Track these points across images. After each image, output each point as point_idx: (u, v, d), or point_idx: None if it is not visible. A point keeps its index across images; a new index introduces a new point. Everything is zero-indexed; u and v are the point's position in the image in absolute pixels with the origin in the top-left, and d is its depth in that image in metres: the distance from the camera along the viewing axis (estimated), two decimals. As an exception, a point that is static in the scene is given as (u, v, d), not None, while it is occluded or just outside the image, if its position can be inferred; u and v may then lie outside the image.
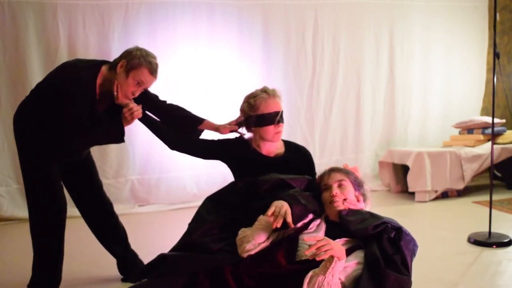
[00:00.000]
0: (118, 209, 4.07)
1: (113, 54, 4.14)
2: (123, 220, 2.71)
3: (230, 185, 2.22)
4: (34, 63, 4.07)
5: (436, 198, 4.44)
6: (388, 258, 1.71)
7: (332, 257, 1.61)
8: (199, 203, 2.23)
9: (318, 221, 2.00)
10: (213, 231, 2.02)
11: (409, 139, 5.24)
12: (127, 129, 2.28)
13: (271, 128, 2.31)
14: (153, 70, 2.28)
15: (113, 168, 4.35)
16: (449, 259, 2.86)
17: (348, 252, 1.78)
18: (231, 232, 2.00)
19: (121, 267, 2.66)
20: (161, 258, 1.89)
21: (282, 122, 2.34)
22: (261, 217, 1.94)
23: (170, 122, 2.48)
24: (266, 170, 2.20)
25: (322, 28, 4.83)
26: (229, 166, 2.44)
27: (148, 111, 2.39)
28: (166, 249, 2.04)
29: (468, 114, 5.26)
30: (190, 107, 4.46)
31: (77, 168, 2.48)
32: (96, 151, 3.94)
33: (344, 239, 1.86)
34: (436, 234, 3.38)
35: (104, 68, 2.29)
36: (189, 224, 2.10)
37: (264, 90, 2.35)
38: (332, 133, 4.98)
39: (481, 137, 4.72)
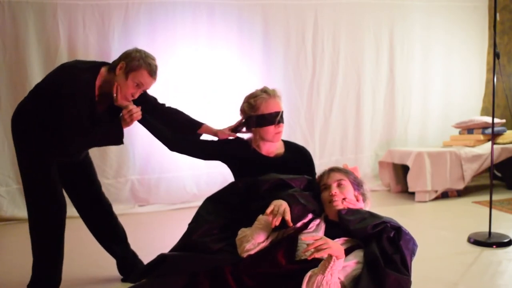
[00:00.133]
0: (118, 209, 4.09)
1: (113, 54, 4.14)
2: (123, 220, 2.71)
3: (230, 185, 2.22)
4: (34, 63, 4.07)
5: (436, 198, 4.44)
6: (387, 257, 1.71)
7: (330, 256, 1.61)
8: (199, 203, 2.23)
9: (317, 220, 2.00)
10: (213, 231, 2.02)
11: (409, 139, 5.24)
12: (127, 129, 2.28)
13: (271, 128, 2.31)
14: (152, 72, 2.28)
15: (113, 168, 4.36)
16: (449, 259, 2.86)
17: (348, 252, 1.78)
18: (231, 232, 2.00)
19: (121, 267, 2.66)
20: (161, 258, 1.89)
21: (283, 122, 2.35)
22: (260, 216, 1.94)
23: (168, 125, 2.48)
24: (266, 170, 2.20)
25: (322, 28, 4.83)
26: (229, 167, 2.45)
27: (147, 114, 2.39)
28: (166, 249, 2.04)
29: (468, 114, 5.26)
30: (189, 107, 4.47)
31: (75, 169, 2.48)
32: (96, 151, 3.96)
33: (343, 238, 1.86)
34: (436, 234, 3.39)
35: (103, 70, 2.29)
36: (189, 224, 2.10)
37: (265, 90, 2.35)
38: (332, 133, 4.98)
39: (481, 137, 4.72)
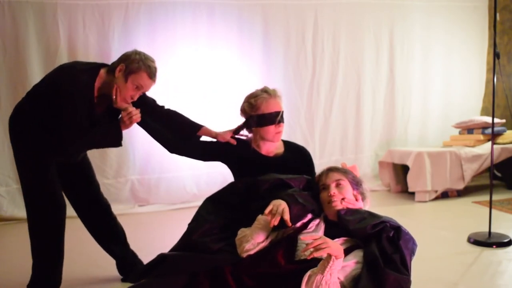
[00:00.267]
0: (118, 209, 4.11)
1: (113, 54, 4.14)
2: (123, 220, 2.71)
3: (230, 185, 2.22)
4: (34, 63, 4.07)
5: (436, 198, 4.44)
6: (387, 257, 1.71)
7: (329, 256, 1.61)
8: (199, 203, 2.23)
9: (317, 220, 2.00)
10: (213, 231, 2.02)
11: (409, 139, 5.24)
12: (126, 130, 2.28)
13: (271, 128, 2.31)
14: (152, 74, 2.28)
15: (113, 168, 4.36)
16: (449, 259, 2.86)
17: (347, 252, 1.78)
18: (231, 232, 2.00)
19: (120, 267, 2.66)
20: (161, 258, 1.89)
21: (283, 122, 2.35)
22: (259, 216, 1.94)
23: (167, 127, 2.48)
24: (265, 170, 2.21)
25: (322, 28, 4.83)
26: (229, 167, 2.45)
27: (146, 116, 2.38)
28: (166, 249, 2.04)
29: (468, 114, 5.26)
30: (189, 107, 4.49)
31: (74, 170, 2.47)
32: (96, 151, 3.96)
33: (343, 238, 1.86)
34: (436, 234, 3.38)
35: (102, 71, 2.28)
36: (189, 224, 2.10)
37: (265, 90, 2.36)
38: (332, 133, 4.99)
39: (481, 137, 4.72)
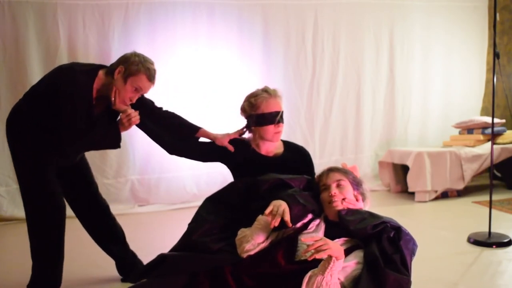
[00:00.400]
0: (118, 209, 4.13)
1: (113, 54, 4.15)
2: (123, 220, 2.71)
3: (230, 185, 2.22)
4: (34, 63, 4.07)
5: (436, 198, 4.44)
6: (387, 257, 1.71)
7: (330, 257, 1.61)
8: (199, 203, 2.23)
9: (317, 221, 2.00)
10: (213, 231, 2.02)
11: (409, 139, 5.24)
12: (125, 131, 2.28)
13: (271, 128, 2.31)
14: (151, 76, 2.28)
15: (113, 168, 4.36)
16: (449, 259, 2.86)
17: (348, 252, 1.78)
18: (231, 232, 2.00)
19: (120, 267, 2.65)
20: (161, 258, 1.89)
21: (282, 122, 2.35)
22: (260, 217, 1.94)
23: (166, 129, 2.48)
24: (265, 170, 2.21)
25: (322, 28, 4.83)
26: (228, 167, 2.45)
27: (144, 117, 2.38)
28: (166, 249, 2.04)
29: (468, 114, 5.26)
30: (189, 107, 4.49)
31: (72, 171, 2.47)
32: (96, 151, 3.95)
33: (343, 239, 1.86)
34: (436, 234, 3.39)
35: (101, 73, 2.28)
36: (189, 224, 2.10)
37: (265, 90, 2.36)
38: (332, 133, 4.99)
39: (481, 137, 4.72)
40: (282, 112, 2.34)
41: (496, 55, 3.12)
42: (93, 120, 2.24)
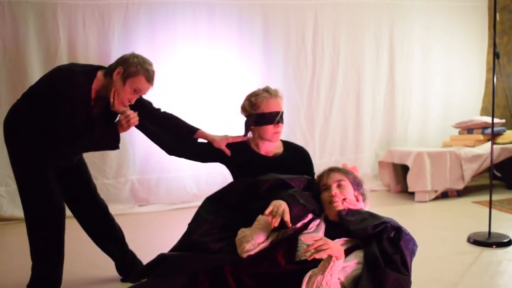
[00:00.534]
0: (118, 209, 4.13)
1: (113, 54, 4.14)
2: (123, 220, 2.71)
3: (230, 185, 2.22)
4: (34, 63, 4.07)
5: (436, 198, 4.44)
6: (387, 257, 1.71)
7: (330, 256, 1.61)
8: (199, 203, 2.23)
9: (317, 221, 2.00)
10: (213, 231, 2.02)
11: (409, 139, 5.24)
12: (124, 132, 2.28)
13: (270, 128, 2.31)
14: (150, 77, 2.28)
15: (113, 168, 4.36)
16: (449, 259, 2.86)
17: (348, 252, 1.78)
18: (231, 232, 2.00)
19: (119, 268, 2.65)
20: (161, 258, 1.89)
21: (282, 122, 2.35)
22: (260, 217, 1.94)
23: (164, 130, 2.48)
24: (264, 170, 2.21)
25: (322, 28, 4.83)
26: (228, 167, 2.45)
27: (143, 118, 2.37)
28: (166, 249, 2.04)
29: (468, 114, 5.26)
30: (189, 107, 4.49)
31: (71, 172, 2.46)
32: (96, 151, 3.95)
33: (343, 239, 1.86)
34: (436, 234, 3.39)
35: (99, 74, 2.27)
36: (189, 224, 2.10)
37: (266, 90, 2.36)
38: (332, 133, 4.99)
39: (481, 137, 4.72)
40: (282, 112, 2.34)
41: (496, 55, 3.12)
42: (91, 121, 2.23)
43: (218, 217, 2.08)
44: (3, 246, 3.43)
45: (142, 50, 4.18)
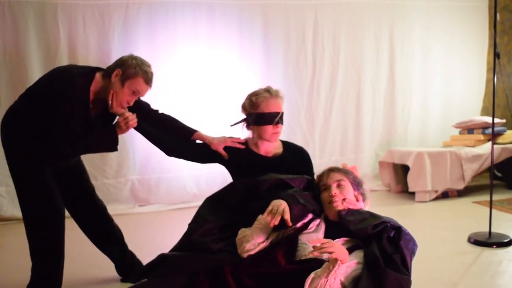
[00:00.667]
0: (118, 209, 4.13)
1: (113, 54, 4.14)
2: (123, 220, 2.71)
3: (230, 185, 2.22)
4: (34, 63, 4.07)
5: (436, 198, 4.44)
6: (387, 257, 1.71)
7: (335, 259, 1.61)
8: (199, 203, 2.23)
9: (317, 221, 2.00)
10: (213, 231, 2.02)
11: (409, 139, 5.24)
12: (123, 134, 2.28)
13: (269, 128, 2.31)
14: (148, 79, 2.28)
15: (113, 168, 4.35)
16: (449, 259, 2.86)
17: (348, 252, 1.78)
18: (231, 232, 2.00)
19: (119, 268, 2.65)
20: (162, 258, 1.89)
21: (281, 123, 2.35)
22: (260, 217, 1.94)
23: (162, 132, 2.48)
24: (264, 170, 2.21)
25: (322, 28, 4.83)
26: (227, 168, 2.45)
27: (141, 120, 2.37)
28: (166, 249, 2.04)
29: (468, 114, 5.26)
30: (189, 107, 4.49)
31: (68, 173, 2.45)
32: (96, 151, 3.95)
33: (343, 239, 1.86)
34: (436, 234, 3.38)
35: (98, 75, 2.27)
36: (189, 224, 2.10)
37: (267, 90, 2.36)
38: (332, 133, 4.98)
39: (481, 137, 4.72)
40: (282, 113, 2.34)
41: (496, 55, 3.12)
42: (89, 122, 2.23)
43: (218, 217, 2.08)
44: (3, 246, 3.43)
45: (142, 50, 4.21)
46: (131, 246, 2.70)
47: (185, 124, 2.48)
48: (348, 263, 1.71)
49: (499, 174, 4.99)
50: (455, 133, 5.06)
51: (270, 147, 2.38)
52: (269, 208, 1.88)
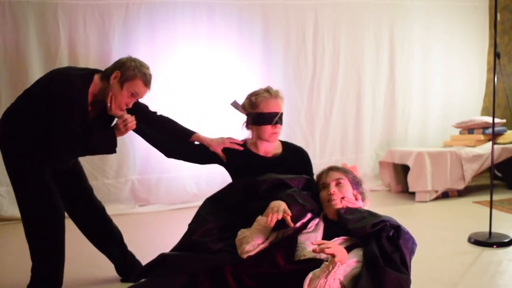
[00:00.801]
0: (118, 209, 4.13)
1: (114, 54, 4.15)
2: (123, 220, 2.71)
3: (229, 185, 2.22)
4: (34, 63, 4.07)
5: (437, 198, 4.44)
6: (387, 256, 1.71)
7: (334, 260, 1.61)
8: (199, 203, 2.23)
9: (316, 220, 2.00)
10: (213, 231, 2.02)
11: (410, 139, 5.24)
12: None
13: (268, 128, 2.31)
14: (147, 81, 2.28)
15: (114, 168, 4.36)
16: (449, 259, 2.86)
17: (347, 251, 1.77)
18: (231, 233, 2.00)
19: (119, 269, 2.65)
20: (162, 257, 1.88)
21: (281, 123, 2.35)
22: (259, 217, 1.94)
23: (160, 133, 2.48)
24: (263, 170, 2.21)
25: (322, 28, 4.83)
26: (227, 169, 2.45)
27: (139, 122, 2.37)
28: (166, 249, 2.04)
29: (468, 114, 5.26)
30: (189, 107, 4.48)
31: (66, 174, 2.45)
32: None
33: (342, 237, 1.86)
34: (436, 234, 3.38)
35: (96, 77, 2.27)
36: (189, 225, 2.10)
37: (267, 90, 2.36)
38: (333, 133, 4.99)
39: (482, 137, 4.72)
40: (281, 113, 2.34)
41: (496, 55, 3.12)
42: (88, 124, 2.23)
43: (218, 217, 2.08)
44: (3, 246, 3.43)
45: (142, 50, 4.22)
46: (131, 246, 2.70)
47: (184, 125, 2.48)
48: (347, 262, 1.71)
49: (499, 174, 4.99)
50: (455, 133, 5.06)
51: (269, 147, 2.38)
52: (268, 209, 1.88)
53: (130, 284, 1.94)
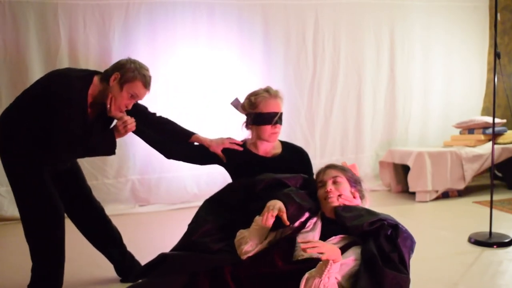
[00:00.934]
0: (118, 209, 4.13)
1: (114, 54, 4.15)
2: (123, 220, 2.71)
3: (229, 186, 2.22)
4: (34, 63, 4.07)
5: (437, 198, 4.44)
6: (385, 256, 1.70)
7: (327, 260, 1.61)
8: (199, 203, 2.23)
9: (314, 219, 2.00)
10: (213, 232, 2.02)
11: (410, 139, 5.24)
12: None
13: (268, 128, 2.31)
14: (147, 83, 2.28)
15: (114, 168, 4.36)
16: (449, 259, 2.86)
17: (345, 249, 1.77)
18: (231, 233, 2.00)
19: (118, 269, 2.65)
20: (162, 257, 1.89)
21: (280, 123, 2.34)
22: (257, 218, 1.94)
23: (160, 135, 2.48)
24: (263, 170, 2.21)
25: (323, 28, 4.83)
26: (226, 169, 2.45)
27: (139, 123, 2.37)
28: (166, 249, 2.04)
29: (468, 114, 5.26)
30: (189, 107, 4.48)
31: (64, 174, 2.45)
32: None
33: (340, 236, 1.85)
34: (437, 234, 3.38)
35: (96, 79, 2.27)
36: (189, 225, 2.10)
37: (267, 90, 2.36)
38: (333, 133, 4.99)
39: (482, 137, 4.72)
40: (281, 113, 2.34)
41: (497, 55, 3.12)
42: (87, 126, 2.23)
43: (217, 217, 2.08)
44: (3, 246, 3.43)
45: (142, 50, 4.22)
46: (131, 246, 2.70)
47: (183, 126, 2.48)
48: (344, 260, 1.71)
49: (499, 174, 4.99)
50: (456, 133, 5.06)
51: (269, 147, 2.38)
52: (265, 208, 1.88)
53: (130, 284, 1.94)
